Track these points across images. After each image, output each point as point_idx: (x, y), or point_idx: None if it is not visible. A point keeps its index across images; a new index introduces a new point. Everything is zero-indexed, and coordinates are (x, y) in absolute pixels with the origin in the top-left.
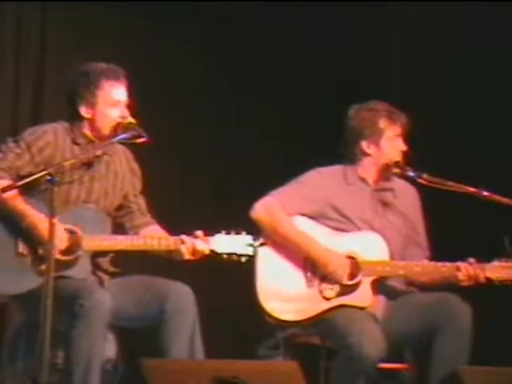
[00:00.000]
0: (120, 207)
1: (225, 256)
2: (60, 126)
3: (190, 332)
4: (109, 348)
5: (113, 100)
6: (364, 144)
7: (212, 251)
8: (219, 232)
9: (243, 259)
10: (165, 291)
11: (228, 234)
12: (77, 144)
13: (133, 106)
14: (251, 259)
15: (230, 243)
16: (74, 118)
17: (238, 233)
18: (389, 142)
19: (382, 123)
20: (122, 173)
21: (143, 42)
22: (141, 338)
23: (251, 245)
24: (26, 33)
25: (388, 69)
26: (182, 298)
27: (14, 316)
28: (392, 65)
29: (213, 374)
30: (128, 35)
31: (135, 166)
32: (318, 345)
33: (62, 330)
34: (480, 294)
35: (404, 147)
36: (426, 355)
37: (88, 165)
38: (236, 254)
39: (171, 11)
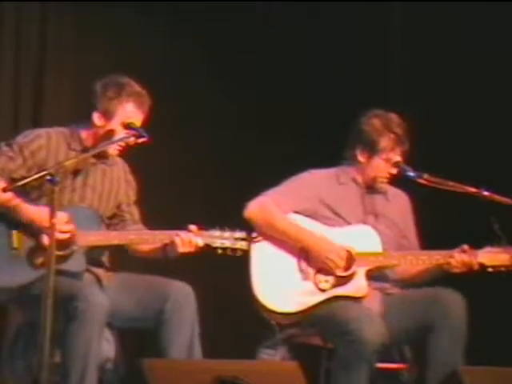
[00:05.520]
0: (113, 216)
1: (220, 251)
2: (55, 131)
3: (190, 332)
4: (108, 348)
5: (127, 121)
6: (358, 150)
7: (206, 245)
8: (213, 228)
9: (238, 253)
10: (165, 291)
11: (222, 230)
12: (72, 150)
13: None
14: (246, 254)
15: (224, 238)
16: (82, 121)
17: (232, 230)
18: (381, 161)
19: (384, 143)
20: (117, 182)
21: (143, 41)
22: (141, 337)
23: (245, 239)
24: (25, 33)
25: (389, 69)
26: (182, 297)
27: (13, 316)
28: (393, 65)
29: (213, 373)
30: (128, 35)
31: (131, 178)
32: (319, 345)
33: (59, 330)
34: (480, 294)
35: (393, 171)
36: (422, 351)
37: (80, 171)
38: (230, 248)
39: (171, 11)
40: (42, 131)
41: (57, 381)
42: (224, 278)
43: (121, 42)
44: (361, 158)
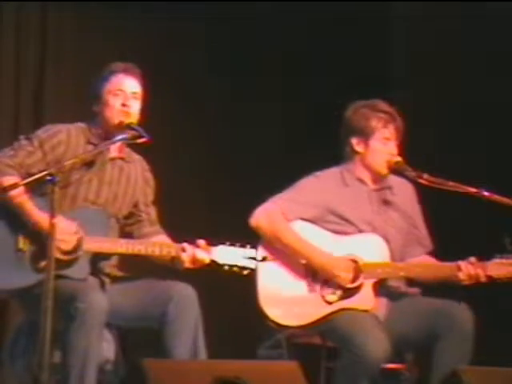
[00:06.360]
0: (130, 215)
1: (226, 268)
2: (74, 126)
3: (193, 333)
4: (108, 349)
5: (115, 88)
6: (354, 141)
7: (213, 261)
8: (223, 243)
9: (245, 272)
10: (167, 292)
11: (232, 245)
12: (91, 144)
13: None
14: (252, 272)
15: (232, 255)
16: (91, 117)
17: (242, 245)
18: (378, 143)
19: (374, 123)
20: (134, 180)
21: (143, 41)
22: (141, 337)
23: (254, 258)
24: (25, 33)
25: (390, 68)
26: (184, 299)
27: (14, 316)
28: (395, 63)
29: (213, 374)
30: (128, 34)
31: (150, 176)
32: (319, 345)
33: (60, 330)
34: (480, 293)
35: (394, 151)
36: (426, 357)
37: (94, 164)
38: (237, 266)
39: (170, 11)
40: (62, 127)
41: (57, 381)
42: (225, 279)
43: (121, 42)
44: (358, 148)
